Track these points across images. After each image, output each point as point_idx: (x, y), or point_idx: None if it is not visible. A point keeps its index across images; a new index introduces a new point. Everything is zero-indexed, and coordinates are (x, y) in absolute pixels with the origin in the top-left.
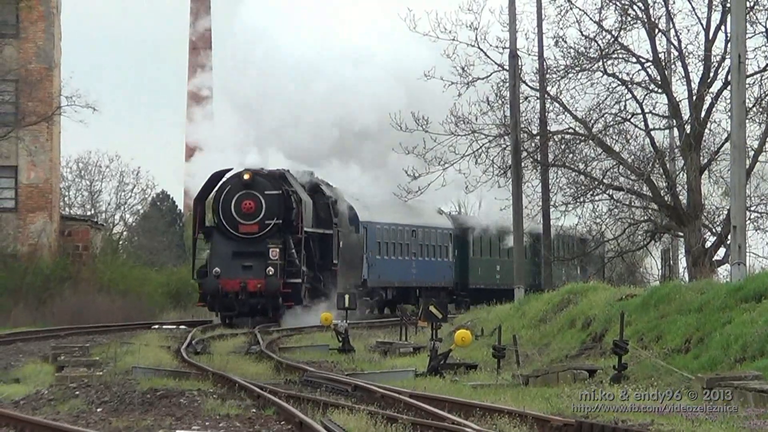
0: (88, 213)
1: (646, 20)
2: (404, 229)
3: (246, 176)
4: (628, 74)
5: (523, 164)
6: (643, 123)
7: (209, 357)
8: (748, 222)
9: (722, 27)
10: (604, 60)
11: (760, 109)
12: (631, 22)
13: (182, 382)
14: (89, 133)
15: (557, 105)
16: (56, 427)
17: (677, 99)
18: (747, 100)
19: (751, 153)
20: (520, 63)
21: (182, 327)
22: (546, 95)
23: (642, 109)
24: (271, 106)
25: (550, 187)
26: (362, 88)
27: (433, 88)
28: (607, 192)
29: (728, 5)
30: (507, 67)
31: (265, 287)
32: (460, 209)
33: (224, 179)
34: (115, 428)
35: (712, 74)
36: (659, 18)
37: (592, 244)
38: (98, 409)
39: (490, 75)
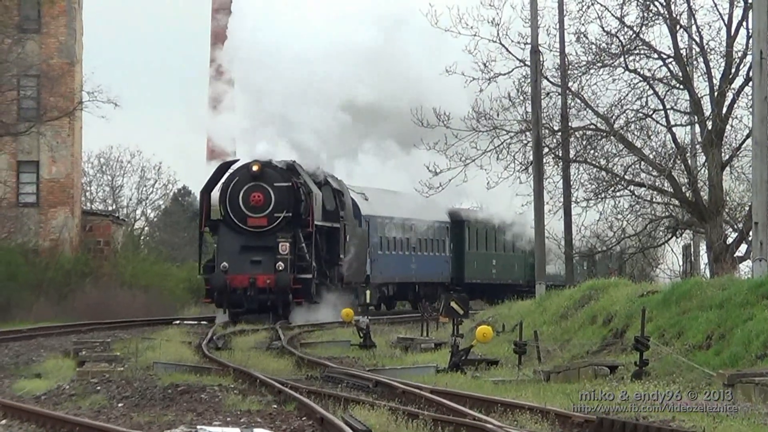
0: (110, 208)
1: (667, 16)
2: (404, 223)
3: (255, 167)
4: (649, 70)
5: (544, 160)
6: (664, 119)
7: (230, 352)
8: None
9: (744, 23)
10: (626, 56)
11: None
12: (653, 18)
13: (203, 377)
14: (111, 129)
15: (579, 101)
16: (77, 422)
17: (699, 95)
18: None
19: None
20: (541, 59)
21: (203, 322)
22: (567, 91)
23: (663, 105)
24: (276, 94)
25: (571, 183)
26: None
27: None
28: (629, 188)
29: (750, 1)
30: (528, 63)
31: (275, 283)
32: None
33: (232, 170)
34: (136, 423)
35: (733, 70)
36: (681, 14)
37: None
38: (119, 405)
39: (511, 71)
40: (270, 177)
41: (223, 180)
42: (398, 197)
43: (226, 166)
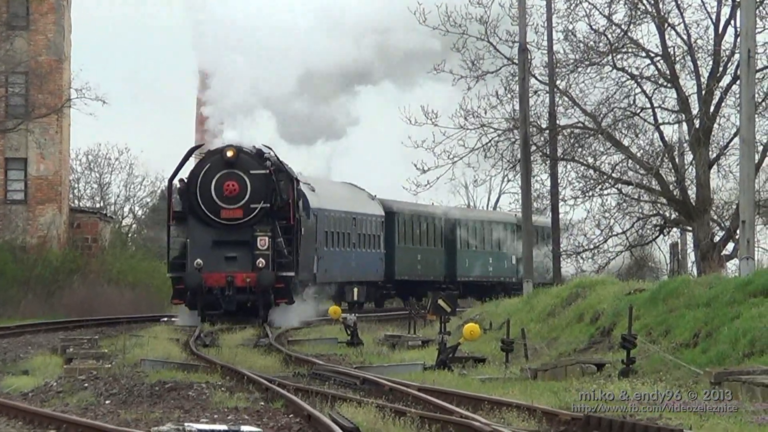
0: (98, 205)
1: (655, 14)
2: (347, 217)
3: (229, 153)
4: (637, 68)
5: (532, 158)
6: (652, 117)
7: (218, 350)
8: (757, 217)
9: (732, 21)
10: (614, 54)
11: None
12: (641, 17)
13: (191, 374)
14: (99, 126)
15: (566, 99)
16: (65, 419)
17: (686, 93)
18: (756, 95)
19: (760, 148)
20: (529, 57)
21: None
22: (555, 89)
23: (651, 104)
24: (238, 79)
25: (558, 181)
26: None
27: None
28: (616, 186)
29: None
30: (516, 61)
31: (257, 282)
32: (470, 203)
33: (202, 156)
34: (124, 420)
35: (721, 69)
36: (669, 12)
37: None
38: (107, 402)
39: (499, 69)
40: (245, 163)
41: (193, 166)
42: (338, 187)
43: (195, 150)
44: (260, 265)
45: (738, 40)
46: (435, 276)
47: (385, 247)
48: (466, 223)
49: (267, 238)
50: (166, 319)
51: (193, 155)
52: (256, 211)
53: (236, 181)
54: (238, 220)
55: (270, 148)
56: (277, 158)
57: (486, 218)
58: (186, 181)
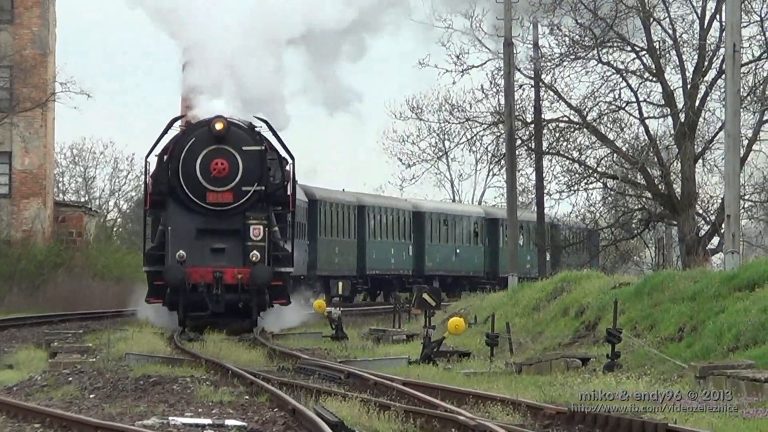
0: (82, 199)
1: (641, 9)
2: (301, 206)
3: (218, 125)
4: (622, 63)
5: (517, 152)
6: (637, 111)
7: (202, 344)
8: (742, 211)
9: (717, 16)
10: (599, 48)
11: (755, 99)
12: (626, 11)
13: (175, 368)
14: (84, 120)
15: (552, 93)
16: (49, 413)
17: (672, 88)
18: (741, 89)
19: (746, 142)
20: (514, 51)
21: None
22: (540, 83)
23: (636, 98)
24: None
25: (544, 175)
26: None
27: None
28: (601, 180)
29: None
30: (502, 55)
31: (250, 279)
32: (455, 197)
33: (186, 129)
34: (108, 414)
35: (706, 63)
36: (654, 6)
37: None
38: (91, 396)
39: (485, 63)
40: (237, 138)
41: (175, 142)
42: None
43: (177, 120)
44: (254, 258)
45: (723, 34)
46: (349, 270)
47: (309, 239)
48: (378, 212)
49: (261, 228)
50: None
51: (174, 127)
52: (249, 194)
53: (226, 159)
54: (228, 205)
55: (265, 121)
56: (274, 132)
57: (388, 205)
58: (166, 157)
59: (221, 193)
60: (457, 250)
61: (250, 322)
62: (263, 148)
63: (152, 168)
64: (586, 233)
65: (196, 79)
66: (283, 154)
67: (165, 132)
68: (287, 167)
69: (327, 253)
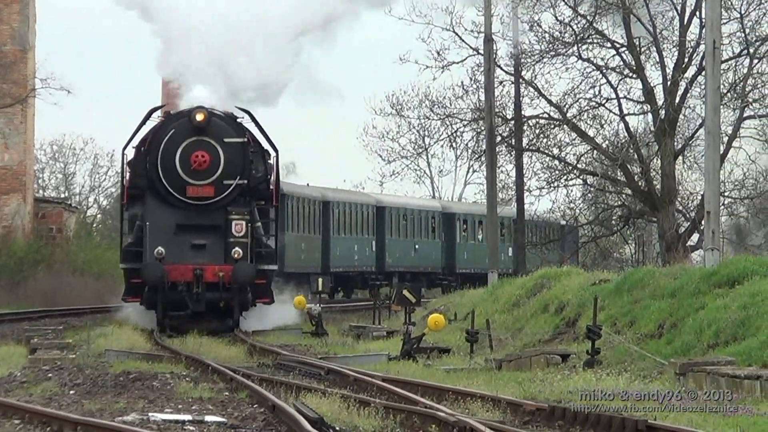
0: (62, 195)
1: (621, 5)
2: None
3: (199, 116)
4: (602, 59)
5: (497, 149)
6: (617, 108)
7: (182, 340)
8: (722, 207)
9: (697, 12)
10: (579, 45)
11: (735, 95)
12: (606, 7)
13: (155, 364)
14: (64, 116)
15: (532, 90)
16: (29, 409)
17: (652, 84)
18: (721, 86)
19: (726, 139)
20: (495, 47)
21: None
22: (521, 80)
23: (616, 94)
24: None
25: (524, 171)
26: None
27: None
28: (581, 177)
29: None
30: (482, 52)
31: (232, 277)
32: (434, 193)
33: (165, 120)
34: (88, 411)
35: (686, 60)
36: (634, 3)
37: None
38: (71, 392)
39: (465, 59)
40: (218, 130)
41: (153, 133)
42: None
43: (156, 111)
44: (236, 255)
45: (703, 31)
46: (314, 267)
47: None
48: (342, 207)
49: (244, 223)
50: (130, 309)
51: (153, 118)
52: (231, 188)
53: (207, 151)
54: (209, 200)
55: (247, 111)
56: (256, 123)
57: (352, 200)
58: (144, 149)
59: (202, 186)
60: (416, 246)
61: (232, 322)
62: (246, 139)
63: (130, 160)
64: (557, 230)
65: (177, 67)
66: (266, 146)
67: (143, 122)
68: (270, 160)
69: (295, 250)
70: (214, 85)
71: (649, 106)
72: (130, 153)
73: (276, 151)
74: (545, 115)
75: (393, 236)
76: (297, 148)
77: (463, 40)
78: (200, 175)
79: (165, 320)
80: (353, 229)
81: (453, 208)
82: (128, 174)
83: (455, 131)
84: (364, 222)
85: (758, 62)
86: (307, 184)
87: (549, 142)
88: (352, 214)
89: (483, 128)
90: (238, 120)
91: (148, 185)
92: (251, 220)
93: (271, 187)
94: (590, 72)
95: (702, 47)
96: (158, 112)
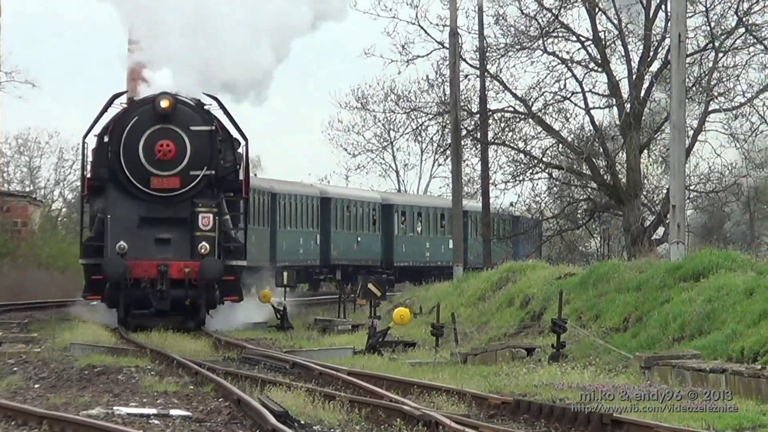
0: (27, 189)
1: None
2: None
3: (164, 103)
4: (568, 53)
5: (462, 142)
6: (582, 102)
7: (147, 334)
8: (687, 201)
9: (662, 6)
10: (544, 38)
11: (700, 89)
12: (572, 1)
13: (120, 358)
14: (29, 109)
15: (497, 83)
16: None
17: (617, 78)
18: (687, 80)
19: (691, 132)
20: (460, 41)
21: None
22: (486, 73)
23: (582, 88)
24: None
25: (489, 165)
26: None
27: None
28: (547, 170)
29: None
30: (447, 45)
31: (198, 273)
32: (400, 188)
33: (128, 107)
34: (53, 404)
35: (652, 53)
36: None
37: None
38: (36, 386)
39: (430, 53)
40: (184, 117)
41: (115, 120)
42: None
43: (118, 97)
44: (203, 251)
45: (669, 24)
46: (263, 261)
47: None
48: (288, 199)
49: (211, 216)
50: (95, 302)
51: (115, 105)
52: (198, 179)
53: (172, 140)
54: (174, 191)
55: (215, 98)
56: (225, 110)
57: (298, 191)
58: (106, 138)
59: (167, 177)
60: (359, 239)
61: (199, 321)
62: (213, 127)
63: (91, 150)
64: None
65: (142, 53)
66: (235, 134)
67: (105, 109)
68: (239, 149)
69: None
70: (182, 71)
71: (614, 100)
72: (92, 142)
73: (246, 139)
74: (510, 109)
75: (338, 228)
76: (262, 142)
77: (428, 34)
78: (165, 166)
79: (127, 319)
80: (298, 222)
81: (392, 200)
82: (90, 164)
83: (420, 125)
84: (308, 214)
85: (723, 56)
86: (254, 175)
87: (514, 136)
88: (297, 206)
89: (448, 122)
90: (206, 107)
91: (110, 176)
92: (219, 212)
93: (241, 177)
94: (555, 66)
95: (667, 41)
96: (121, 98)
